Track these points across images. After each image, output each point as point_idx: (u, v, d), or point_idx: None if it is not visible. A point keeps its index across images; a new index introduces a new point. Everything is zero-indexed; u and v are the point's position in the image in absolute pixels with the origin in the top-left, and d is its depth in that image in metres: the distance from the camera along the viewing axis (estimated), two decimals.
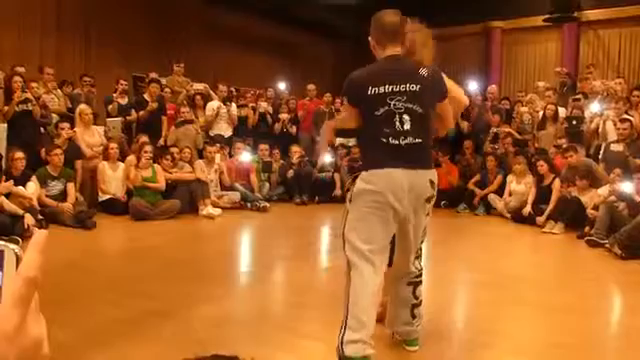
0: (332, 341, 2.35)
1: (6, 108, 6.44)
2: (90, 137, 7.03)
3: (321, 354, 2.57)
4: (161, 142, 7.75)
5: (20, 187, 5.45)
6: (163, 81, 8.69)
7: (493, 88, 9.11)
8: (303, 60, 12.90)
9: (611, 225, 5.30)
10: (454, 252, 5.02)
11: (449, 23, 8.96)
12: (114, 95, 7.84)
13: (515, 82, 12.86)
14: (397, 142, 2.33)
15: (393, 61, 2.41)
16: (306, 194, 8.04)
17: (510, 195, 7.08)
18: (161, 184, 6.67)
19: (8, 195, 5.25)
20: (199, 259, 4.69)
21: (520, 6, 12.08)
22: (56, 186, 6.05)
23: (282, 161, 8.45)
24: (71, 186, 6.15)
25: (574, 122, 7.51)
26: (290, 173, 8.16)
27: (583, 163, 6.54)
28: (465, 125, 8.33)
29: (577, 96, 8.29)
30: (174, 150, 7.24)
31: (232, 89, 9.62)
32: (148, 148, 6.71)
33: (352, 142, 8.46)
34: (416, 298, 2.59)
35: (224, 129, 8.50)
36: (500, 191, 7.31)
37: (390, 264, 2.55)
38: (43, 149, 6.34)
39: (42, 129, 7.02)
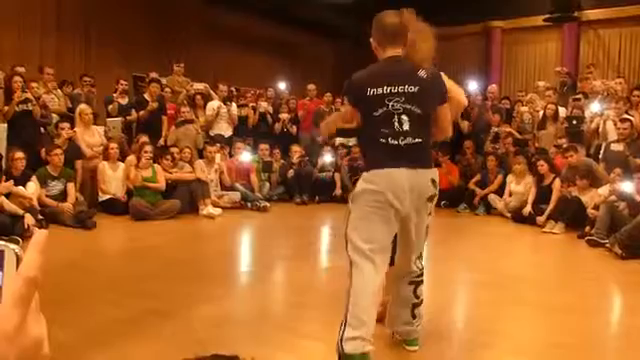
0: (332, 341, 2.35)
1: (6, 108, 6.44)
2: (90, 137, 7.03)
3: (321, 354, 2.57)
4: (161, 142, 7.75)
5: (20, 187, 5.45)
6: (163, 81, 8.69)
7: (493, 88, 9.12)
8: (303, 60, 12.90)
9: (611, 225, 5.30)
10: (454, 252, 5.02)
11: (449, 23, 8.94)
12: (114, 95, 7.84)
13: (515, 82, 12.86)
14: (396, 142, 2.35)
15: (393, 63, 2.42)
16: (306, 194, 8.04)
17: (510, 195, 7.08)
18: (161, 184, 6.67)
19: (8, 195, 5.25)
20: (199, 259, 4.69)
21: (520, 6, 12.08)
22: (56, 186, 6.05)
23: (282, 161, 8.46)
24: (71, 186, 6.15)
25: (574, 122, 7.51)
26: (290, 173, 8.16)
27: (583, 163, 6.54)
28: (465, 125, 8.34)
29: (577, 96, 8.29)
30: (174, 150, 7.24)
31: (232, 89, 9.62)
32: (148, 148, 6.71)
33: (352, 142, 8.46)
34: (417, 298, 2.60)
35: (224, 129, 8.50)
36: (500, 191, 7.31)
37: (392, 263, 2.56)
38: (43, 149, 6.34)
39: (42, 129, 7.02)
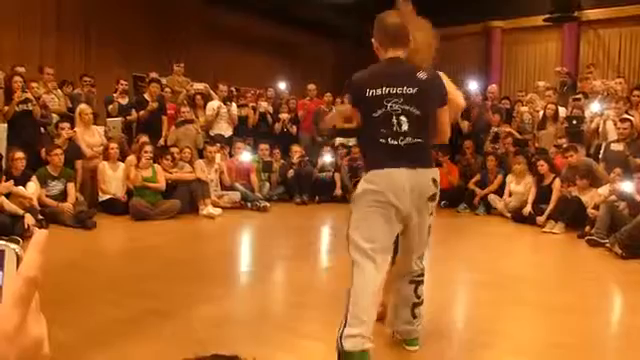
0: (332, 341, 2.35)
1: (6, 108, 6.44)
2: (90, 137, 7.03)
3: (321, 354, 2.57)
4: (161, 142, 7.75)
5: (20, 187, 5.45)
6: (163, 81, 8.69)
7: (493, 88, 9.12)
8: (303, 60, 12.90)
9: (611, 225, 5.30)
10: (454, 252, 5.02)
11: (449, 23, 8.94)
12: (114, 95, 7.84)
13: (515, 82, 12.86)
14: (396, 142, 2.35)
15: (392, 64, 2.43)
16: (306, 194, 8.04)
17: (510, 195, 7.08)
18: (161, 184, 6.67)
19: (8, 195, 5.25)
20: (199, 259, 4.69)
21: (520, 6, 12.08)
22: (56, 186, 6.05)
23: (282, 161, 8.46)
24: (71, 186, 6.15)
25: (574, 122, 7.52)
26: (290, 173, 8.16)
27: (583, 163, 6.54)
28: (465, 125, 8.34)
29: (577, 96, 8.29)
30: (174, 150, 7.24)
31: (232, 89, 9.62)
32: (148, 148, 6.71)
33: (352, 142, 8.46)
34: (418, 297, 2.60)
35: (224, 129, 8.51)
36: (500, 191, 7.31)
37: (392, 263, 2.56)
38: (43, 149, 6.34)
39: (42, 129, 7.03)
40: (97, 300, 3.38)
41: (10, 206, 5.14)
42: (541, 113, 8.10)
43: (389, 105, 2.35)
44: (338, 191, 8.16)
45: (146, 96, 7.86)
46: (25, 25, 8.86)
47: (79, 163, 6.71)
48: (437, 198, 2.48)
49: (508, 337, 2.94)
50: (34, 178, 5.77)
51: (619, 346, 2.99)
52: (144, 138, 7.17)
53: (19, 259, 0.44)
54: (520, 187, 6.96)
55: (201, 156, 7.60)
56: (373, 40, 2.49)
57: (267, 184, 8.20)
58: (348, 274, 2.41)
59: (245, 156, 7.86)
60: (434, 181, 2.42)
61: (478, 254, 5.14)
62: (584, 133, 7.52)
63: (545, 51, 12.65)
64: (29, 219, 5.17)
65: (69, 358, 2.44)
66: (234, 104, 8.77)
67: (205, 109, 8.43)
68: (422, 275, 2.61)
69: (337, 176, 8.22)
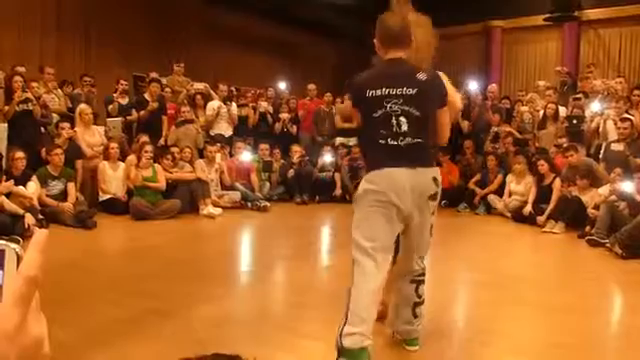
0: (332, 341, 2.36)
1: (7, 108, 6.44)
2: (90, 137, 7.03)
3: (321, 354, 2.57)
4: (161, 142, 7.75)
5: (20, 187, 5.45)
6: (163, 81, 8.69)
7: (493, 87, 9.11)
8: (303, 60, 12.90)
9: (612, 225, 5.30)
10: (454, 251, 5.02)
11: (449, 22, 8.94)
12: (114, 95, 7.84)
13: (515, 81, 12.86)
14: (396, 143, 2.36)
15: (393, 65, 2.44)
16: (306, 194, 8.04)
17: (510, 195, 7.08)
18: (161, 184, 6.67)
19: (9, 195, 5.25)
20: (199, 259, 4.69)
21: (520, 5, 12.08)
22: (56, 186, 6.05)
23: (282, 161, 8.46)
24: (71, 186, 6.15)
25: (575, 121, 7.52)
26: (290, 173, 8.16)
27: (584, 162, 6.54)
28: (465, 125, 8.34)
29: (578, 95, 8.29)
30: (174, 150, 7.24)
31: (232, 89, 9.62)
32: (148, 148, 6.72)
33: (352, 142, 8.46)
34: (419, 297, 2.60)
35: (224, 129, 8.51)
36: (500, 191, 7.31)
37: (393, 262, 2.56)
38: (43, 149, 6.34)
39: (42, 129, 7.02)
40: (97, 300, 3.38)
41: (10, 206, 5.14)
42: (541, 113, 8.10)
43: (389, 106, 2.36)
44: (338, 191, 8.16)
45: (146, 96, 7.86)
46: (25, 25, 8.86)
47: (79, 163, 6.71)
48: (438, 197, 2.48)
49: (508, 337, 2.94)
50: (34, 178, 5.77)
51: (619, 346, 2.99)
52: (144, 138, 7.17)
53: (19, 259, 0.44)
54: (520, 187, 6.96)
55: (201, 156, 7.60)
56: (375, 41, 2.49)
57: (267, 184, 8.20)
58: (348, 273, 2.41)
59: (245, 156, 7.86)
60: (435, 180, 2.43)
61: (478, 254, 5.14)
62: (584, 133, 7.52)
63: (545, 51, 12.65)
64: (29, 219, 5.17)
65: (69, 357, 2.44)
66: (234, 104, 8.77)
67: (205, 109, 8.43)
68: (423, 275, 2.61)
69: (337, 176, 8.22)
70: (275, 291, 4.03)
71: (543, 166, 6.68)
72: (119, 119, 7.63)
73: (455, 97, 2.66)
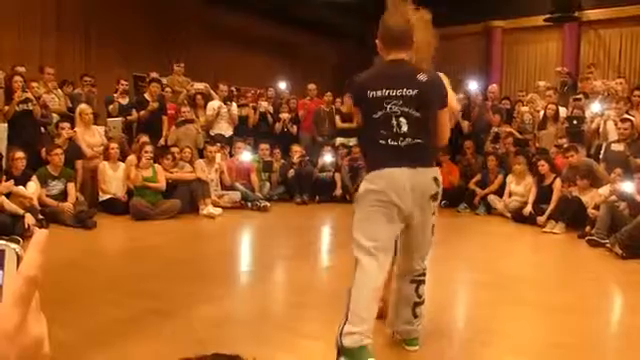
0: (332, 340, 2.36)
1: (7, 108, 6.44)
2: (90, 137, 7.03)
3: (321, 354, 2.57)
4: (162, 142, 7.75)
5: (20, 187, 5.45)
6: (164, 81, 8.70)
7: (494, 88, 9.11)
8: (303, 59, 12.90)
9: (612, 225, 5.30)
10: (455, 252, 5.02)
11: (450, 23, 8.93)
12: (115, 95, 7.84)
13: (516, 82, 12.86)
14: (396, 143, 2.37)
15: (393, 66, 2.44)
16: (307, 194, 8.04)
17: (510, 196, 7.08)
18: (161, 184, 6.67)
19: (9, 195, 5.25)
20: (199, 259, 4.69)
21: (521, 6, 12.08)
22: (56, 186, 6.05)
23: (283, 161, 8.46)
24: (71, 186, 6.15)
25: (575, 122, 7.51)
26: (291, 173, 8.16)
27: (584, 163, 6.54)
28: (466, 125, 8.34)
29: (578, 96, 8.29)
30: (175, 150, 7.24)
31: (233, 89, 9.62)
32: (149, 148, 6.71)
33: (353, 142, 8.46)
34: (419, 297, 2.60)
35: (225, 129, 8.51)
36: (501, 191, 7.31)
37: (392, 262, 2.56)
38: (43, 149, 6.34)
39: (42, 129, 7.02)
40: (97, 300, 3.38)
41: (10, 206, 5.14)
42: (542, 113, 8.10)
43: (389, 107, 2.36)
44: (338, 191, 8.16)
45: (146, 96, 7.86)
46: (25, 25, 8.86)
47: (79, 163, 6.71)
48: (439, 197, 2.49)
49: (508, 337, 2.94)
50: (34, 178, 5.77)
51: (619, 346, 2.99)
52: (144, 138, 7.17)
53: (19, 259, 0.44)
54: (520, 187, 6.96)
55: (201, 156, 7.60)
56: (377, 41, 2.49)
57: (267, 184, 8.20)
58: (348, 273, 2.41)
59: (245, 156, 7.86)
60: (435, 180, 2.43)
61: (478, 254, 5.14)
62: (585, 133, 7.51)
63: (546, 51, 12.65)
64: (29, 219, 5.17)
65: (69, 357, 2.44)
66: (234, 104, 8.77)
67: (205, 109, 8.43)
68: (424, 275, 2.61)
69: (337, 176, 8.22)
70: (275, 291, 4.03)
71: (543, 166, 6.68)
72: (119, 119, 7.63)
73: (452, 98, 2.66)
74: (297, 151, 8.43)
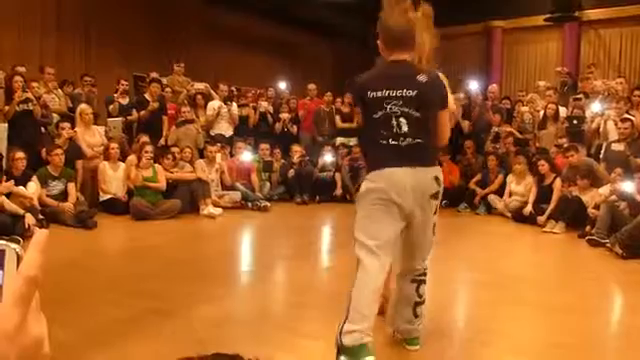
0: (332, 340, 2.36)
1: (7, 108, 6.44)
2: (91, 137, 7.03)
3: (321, 353, 2.57)
4: (162, 142, 7.75)
5: (21, 187, 5.45)
6: (164, 81, 8.70)
7: (494, 87, 9.11)
8: (303, 59, 12.90)
9: (612, 225, 5.30)
10: (455, 251, 5.01)
11: (450, 22, 8.92)
12: (115, 95, 7.85)
13: (516, 81, 12.86)
14: (396, 143, 2.38)
15: (394, 66, 2.45)
16: (307, 194, 8.04)
17: (510, 196, 7.08)
18: (162, 184, 6.67)
19: (9, 195, 5.25)
20: (200, 259, 4.69)
21: (521, 6, 12.07)
22: (57, 186, 6.05)
23: (283, 161, 8.46)
24: (72, 186, 6.15)
25: (575, 122, 7.51)
26: (291, 173, 8.16)
27: (584, 162, 6.54)
28: (466, 124, 8.34)
29: (578, 96, 8.29)
30: (175, 150, 7.24)
31: (233, 89, 9.62)
32: (149, 148, 6.72)
33: (353, 142, 8.47)
34: (419, 296, 2.60)
35: (225, 129, 8.51)
36: (501, 191, 7.31)
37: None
38: (44, 149, 6.34)
39: (43, 129, 7.03)
40: (97, 300, 3.38)
41: (11, 206, 5.14)
42: (542, 113, 8.10)
43: (389, 107, 2.37)
44: (339, 191, 8.16)
45: (147, 96, 7.86)
46: (25, 25, 8.86)
47: (80, 163, 6.71)
48: (440, 196, 2.49)
49: (508, 337, 2.94)
50: (35, 178, 5.77)
51: (619, 346, 2.99)
52: (145, 138, 7.17)
53: (19, 258, 0.44)
54: (520, 187, 6.96)
55: (202, 156, 7.60)
56: (379, 42, 2.49)
57: (268, 184, 8.20)
58: (349, 273, 2.42)
59: (246, 156, 7.86)
60: (436, 179, 2.44)
61: (478, 254, 5.14)
62: (585, 133, 7.51)
63: (546, 51, 12.65)
64: (30, 219, 5.17)
65: (69, 357, 2.44)
66: (235, 104, 8.77)
67: (206, 109, 8.43)
68: (424, 274, 2.61)
69: (338, 176, 8.22)
70: (275, 291, 4.03)
71: (543, 166, 6.68)
72: (119, 119, 7.63)
73: (450, 99, 2.66)
74: (297, 151, 8.43)
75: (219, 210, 6.79)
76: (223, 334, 2.84)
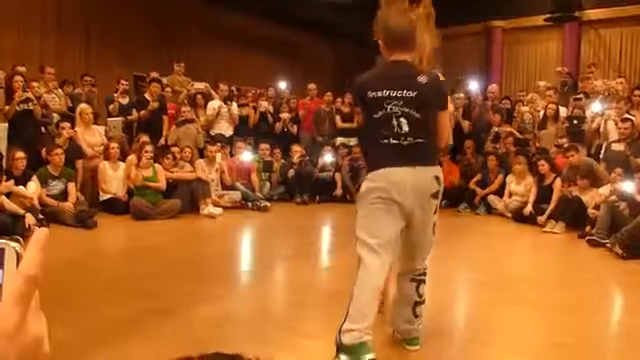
0: (332, 340, 2.36)
1: (7, 108, 6.44)
2: (91, 137, 7.03)
3: (321, 353, 2.57)
4: (162, 141, 7.75)
5: (21, 187, 5.46)
6: (164, 80, 8.70)
7: (494, 87, 9.11)
8: (303, 59, 12.90)
9: (612, 225, 5.30)
10: (455, 251, 5.01)
11: (450, 23, 8.90)
12: (115, 95, 7.84)
13: (516, 81, 12.86)
14: (397, 142, 2.39)
15: (394, 67, 2.45)
16: (307, 194, 8.04)
17: (510, 196, 7.08)
18: (162, 183, 6.67)
19: (9, 195, 5.26)
20: (200, 258, 4.69)
21: (521, 6, 12.07)
22: (57, 186, 6.05)
23: (283, 160, 8.46)
24: (72, 186, 6.15)
25: (575, 122, 7.51)
26: (291, 173, 8.16)
27: (584, 162, 6.53)
28: (466, 124, 8.34)
29: (578, 95, 8.29)
30: (175, 149, 7.24)
31: (233, 88, 9.62)
32: (149, 148, 6.72)
33: (353, 142, 8.47)
34: (419, 296, 2.61)
35: (225, 128, 8.51)
36: (501, 191, 7.31)
37: None
38: (44, 149, 6.34)
39: (43, 129, 7.02)
40: (97, 299, 3.38)
41: (11, 206, 5.14)
42: (542, 113, 8.10)
43: (389, 107, 2.38)
44: (339, 191, 8.16)
45: (147, 96, 7.86)
46: (25, 25, 8.86)
47: (80, 163, 6.71)
48: (440, 196, 2.49)
49: (508, 336, 2.94)
50: (35, 178, 5.77)
51: (619, 346, 2.99)
52: (145, 138, 7.17)
53: (19, 257, 0.44)
54: (520, 187, 6.96)
55: (202, 156, 7.60)
56: (380, 41, 2.50)
57: (268, 184, 8.20)
58: (349, 273, 2.42)
59: (246, 156, 7.86)
60: (437, 178, 2.44)
61: (478, 254, 5.14)
62: (585, 133, 7.51)
63: (546, 51, 12.64)
64: (30, 219, 5.17)
65: (69, 357, 2.44)
66: (235, 104, 8.76)
67: (206, 109, 8.43)
68: (424, 274, 2.62)
69: (338, 176, 8.22)
70: (275, 291, 4.03)
71: (544, 166, 6.68)
72: (119, 119, 7.63)
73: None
74: (297, 151, 8.43)
75: (219, 210, 6.79)
76: (223, 334, 2.84)
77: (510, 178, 7.15)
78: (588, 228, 5.70)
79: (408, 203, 2.37)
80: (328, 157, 8.43)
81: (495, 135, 8.12)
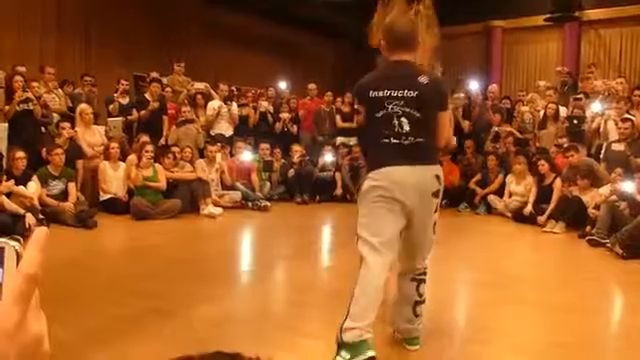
0: (333, 339, 2.36)
1: (7, 107, 6.44)
2: (91, 137, 7.03)
3: (322, 353, 2.57)
4: (162, 141, 7.75)
5: (21, 187, 5.46)
6: (164, 80, 8.69)
7: (494, 87, 9.11)
8: (304, 59, 12.90)
9: (612, 225, 5.30)
10: (455, 251, 5.01)
11: (450, 22, 8.89)
12: (115, 95, 7.84)
13: (516, 81, 12.85)
14: (398, 141, 2.40)
15: (396, 67, 2.47)
16: (307, 193, 8.04)
17: (510, 196, 7.07)
18: (162, 183, 6.67)
19: (9, 195, 5.26)
20: (200, 258, 4.69)
21: (521, 5, 12.07)
22: (57, 186, 6.06)
23: (283, 160, 8.46)
24: (72, 186, 6.15)
25: (575, 121, 7.51)
26: (291, 172, 8.16)
27: (584, 162, 6.53)
28: (466, 124, 8.34)
29: (578, 95, 8.29)
30: (175, 149, 7.24)
31: (233, 88, 9.62)
32: (149, 147, 6.72)
33: (353, 141, 8.46)
34: (420, 296, 2.61)
35: (225, 128, 8.51)
36: (501, 190, 7.31)
37: None
38: (44, 149, 6.34)
39: (43, 129, 7.02)
40: (98, 299, 3.38)
41: (11, 205, 5.14)
42: (542, 113, 8.10)
43: (390, 107, 2.40)
44: (339, 190, 8.16)
45: (147, 96, 7.86)
46: (25, 25, 8.86)
47: (80, 163, 6.71)
48: (441, 194, 2.50)
49: (508, 336, 2.94)
50: (35, 178, 5.77)
51: (619, 346, 2.99)
52: (145, 138, 7.17)
53: (19, 256, 0.44)
54: (520, 187, 6.95)
55: (202, 156, 7.60)
56: (381, 41, 2.51)
57: (268, 184, 8.20)
58: (349, 273, 2.42)
59: (246, 155, 7.86)
60: (437, 177, 2.46)
61: (479, 253, 5.14)
62: (585, 133, 7.51)
63: (546, 51, 12.64)
64: (30, 218, 5.17)
65: (69, 356, 2.44)
66: (235, 104, 8.76)
67: (206, 109, 8.43)
68: (424, 274, 2.62)
69: (338, 175, 8.22)
70: (276, 290, 4.04)
71: (544, 166, 6.68)
72: (120, 119, 7.63)
73: None
74: (297, 151, 8.43)
75: (219, 210, 6.79)
76: (223, 333, 2.85)
77: (510, 178, 7.15)
78: (588, 228, 5.70)
79: (409, 202, 2.38)
80: (328, 157, 8.43)
81: (495, 135, 8.12)
